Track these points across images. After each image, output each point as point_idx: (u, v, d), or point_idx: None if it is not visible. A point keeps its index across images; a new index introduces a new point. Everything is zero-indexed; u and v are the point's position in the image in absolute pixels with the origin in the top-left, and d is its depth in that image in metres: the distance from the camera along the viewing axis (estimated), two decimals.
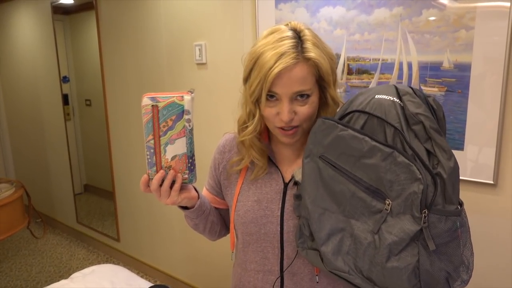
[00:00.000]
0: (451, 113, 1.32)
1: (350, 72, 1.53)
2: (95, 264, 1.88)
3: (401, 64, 1.40)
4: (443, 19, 1.29)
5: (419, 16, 1.34)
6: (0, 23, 3.59)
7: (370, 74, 1.48)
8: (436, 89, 1.34)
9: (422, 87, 1.37)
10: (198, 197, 0.89)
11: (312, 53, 0.77)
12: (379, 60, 1.45)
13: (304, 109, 0.80)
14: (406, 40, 1.38)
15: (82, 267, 2.00)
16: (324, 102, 0.84)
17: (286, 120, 0.79)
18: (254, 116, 0.84)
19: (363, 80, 1.50)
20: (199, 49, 2.02)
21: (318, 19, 1.57)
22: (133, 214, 2.75)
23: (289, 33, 0.78)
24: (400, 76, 1.41)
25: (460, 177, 1.38)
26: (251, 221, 0.89)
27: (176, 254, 2.50)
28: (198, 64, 2.06)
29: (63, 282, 1.65)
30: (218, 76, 2.00)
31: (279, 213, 0.87)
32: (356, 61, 1.50)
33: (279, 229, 0.87)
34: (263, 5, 1.72)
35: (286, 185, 0.89)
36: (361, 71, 1.50)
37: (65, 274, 2.74)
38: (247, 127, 0.86)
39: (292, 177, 0.87)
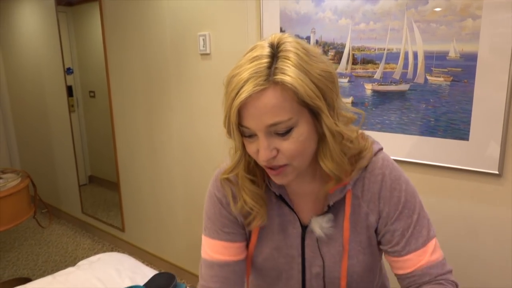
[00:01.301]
0: (456, 103, 1.32)
1: (355, 62, 1.52)
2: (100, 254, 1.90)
3: (406, 54, 1.39)
4: (449, 8, 1.28)
5: (425, 5, 1.33)
6: (4, 14, 3.59)
7: (375, 64, 1.47)
8: (442, 79, 1.34)
9: (428, 77, 1.36)
10: None
11: (284, 75, 0.61)
12: (384, 49, 1.44)
13: (287, 145, 0.65)
14: (412, 29, 1.37)
15: (88, 257, 2.03)
16: (321, 132, 0.67)
17: (265, 159, 0.65)
18: (237, 149, 0.72)
19: (368, 70, 1.49)
20: (203, 39, 2.01)
21: (323, 8, 1.56)
22: (137, 204, 2.77)
23: (266, 51, 0.64)
24: (405, 66, 1.40)
25: (465, 167, 1.38)
26: (272, 268, 0.83)
27: (180, 243, 2.53)
28: (202, 54, 2.06)
29: (69, 269, 1.67)
30: (222, 66, 2.00)
31: (300, 260, 0.81)
32: (361, 50, 1.50)
33: (300, 276, 0.82)
34: None
35: (304, 228, 0.80)
36: (366, 61, 1.49)
37: (70, 263, 2.77)
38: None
39: (310, 222, 0.79)
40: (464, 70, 1.29)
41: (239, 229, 0.82)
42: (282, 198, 0.79)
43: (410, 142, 1.44)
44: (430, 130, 1.39)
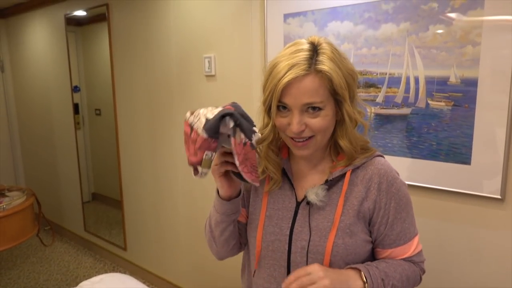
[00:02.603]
0: (458, 127, 1.33)
1: (357, 86, 1.54)
2: (102, 273, 1.89)
3: (408, 78, 1.42)
4: (449, 34, 1.31)
5: (426, 31, 1.36)
6: (15, 33, 3.68)
7: (377, 87, 1.50)
8: (443, 104, 1.35)
9: (429, 101, 1.38)
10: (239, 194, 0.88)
11: (324, 65, 0.77)
12: (386, 74, 1.47)
13: (316, 122, 0.79)
14: (413, 54, 1.39)
15: (89, 276, 2.02)
16: (341, 118, 0.83)
17: (296, 131, 0.79)
18: (267, 126, 0.85)
19: (370, 94, 1.52)
20: (209, 61, 2.05)
21: (326, 33, 1.59)
22: (140, 223, 2.77)
23: (306, 46, 0.79)
24: (407, 90, 1.43)
25: (467, 191, 1.38)
26: (259, 234, 0.89)
27: (182, 264, 2.51)
28: (207, 76, 2.09)
29: None
30: (226, 88, 2.03)
31: (288, 232, 0.86)
32: (364, 75, 1.52)
33: (286, 248, 0.86)
34: (272, 19, 1.76)
35: (298, 203, 0.87)
36: (368, 85, 1.52)
37: (72, 282, 2.75)
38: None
39: (305, 196, 0.86)
40: (465, 95, 1.31)
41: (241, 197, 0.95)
42: (286, 174, 0.90)
43: (412, 166, 1.45)
44: (432, 154, 1.40)
